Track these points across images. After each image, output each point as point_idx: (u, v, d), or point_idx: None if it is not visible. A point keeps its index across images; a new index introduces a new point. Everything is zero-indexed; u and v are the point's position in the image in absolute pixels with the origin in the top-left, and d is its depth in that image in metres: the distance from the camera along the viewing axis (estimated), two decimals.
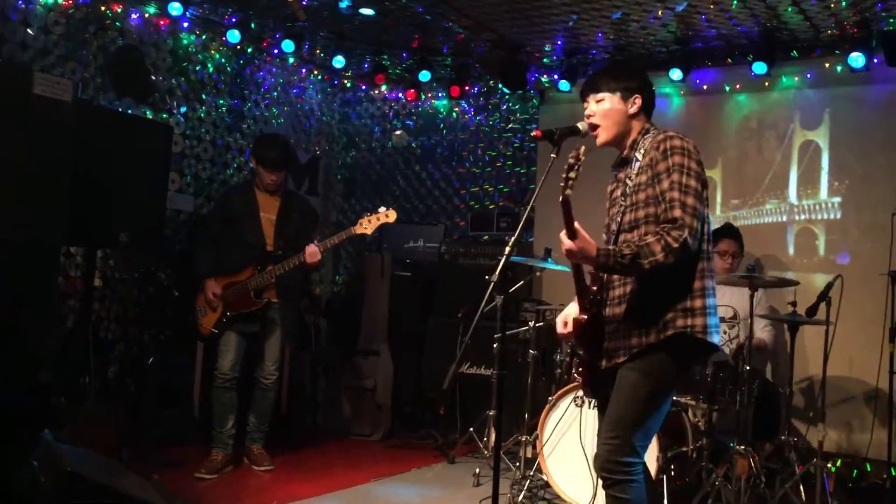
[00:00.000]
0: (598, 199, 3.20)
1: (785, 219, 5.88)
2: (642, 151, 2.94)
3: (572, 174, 2.63)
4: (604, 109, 3.00)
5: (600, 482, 2.91)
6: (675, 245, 2.70)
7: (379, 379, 6.18)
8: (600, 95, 3.00)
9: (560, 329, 3.09)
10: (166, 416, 5.49)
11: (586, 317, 2.94)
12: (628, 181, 2.94)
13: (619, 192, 3.00)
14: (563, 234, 2.71)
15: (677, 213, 2.74)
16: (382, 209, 4.83)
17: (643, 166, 2.91)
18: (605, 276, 2.95)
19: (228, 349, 4.95)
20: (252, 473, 5.00)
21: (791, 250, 5.85)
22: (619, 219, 2.94)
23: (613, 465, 2.80)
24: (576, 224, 2.70)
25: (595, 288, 2.97)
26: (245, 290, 4.91)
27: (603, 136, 3.02)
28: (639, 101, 3.00)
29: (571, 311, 3.07)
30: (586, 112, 3.05)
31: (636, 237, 2.85)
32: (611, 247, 2.75)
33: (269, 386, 5.10)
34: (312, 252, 4.80)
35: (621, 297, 2.91)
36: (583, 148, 2.68)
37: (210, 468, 4.81)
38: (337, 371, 6.39)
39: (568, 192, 2.64)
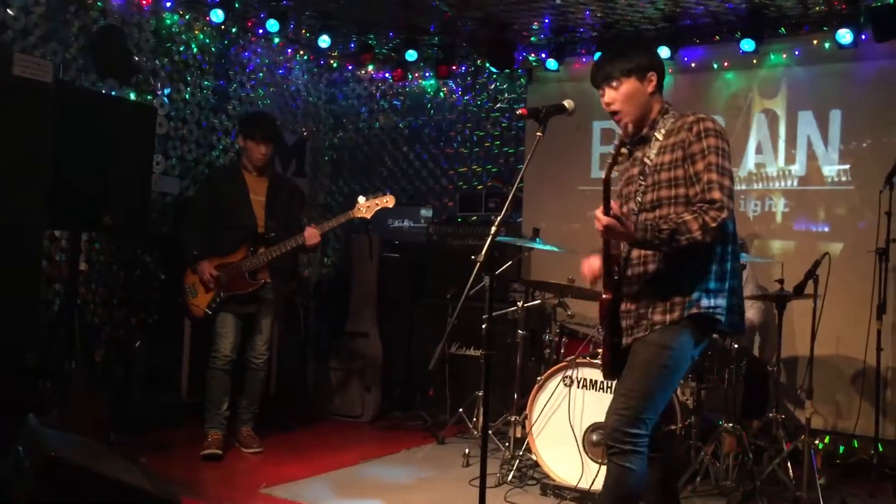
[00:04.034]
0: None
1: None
2: (663, 132, 2.93)
3: (621, 156, 2.74)
4: (623, 95, 2.95)
5: (599, 455, 2.94)
6: (713, 225, 2.74)
7: (368, 360, 6.17)
8: (615, 83, 2.96)
9: (586, 273, 3.12)
10: (154, 400, 5.48)
11: (610, 295, 2.94)
12: (647, 160, 2.93)
13: (635, 171, 2.99)
14: (598, 211, 2.72)
15: (716, 194, 2.77)
16: (381, 194, 4.91)
17: (666, 146, 2.90)
18: (626, 254, 2.96)
19: (227, 331, 4.94)
20: (241, 455, 4.99)
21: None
22: (639, 198, 2.93)
23: (621, 434, 2.83)
24: (612, 202, 2.73)
25: (616, 267, 2.96)
26: (240, 272, 4.89)
27: (627, 121, 2.97)
28: (654, 78, 2.98)
29: (593, 258, 3.10)
30: (604, 101, 2.99)
31: (657, 216, 2.85)
32: (648, 222, 2.77)
33: (260, 366, 5.10)
34: (311, 234, 4.81)
35: (641, 275, 2.92)
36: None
37: (216, 444, 4.84)
38: (326, 353, 6.39)
39: (614, 173, 2.73)
